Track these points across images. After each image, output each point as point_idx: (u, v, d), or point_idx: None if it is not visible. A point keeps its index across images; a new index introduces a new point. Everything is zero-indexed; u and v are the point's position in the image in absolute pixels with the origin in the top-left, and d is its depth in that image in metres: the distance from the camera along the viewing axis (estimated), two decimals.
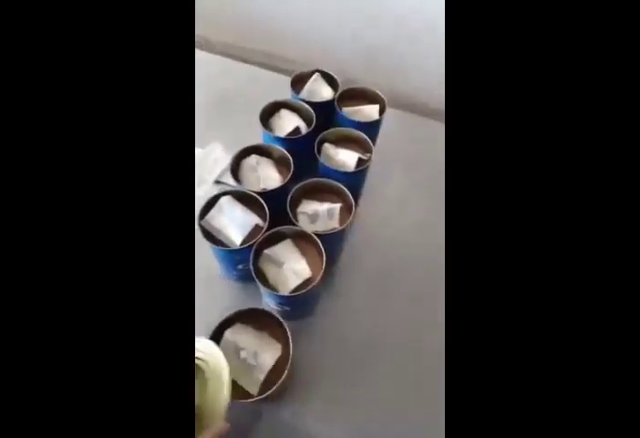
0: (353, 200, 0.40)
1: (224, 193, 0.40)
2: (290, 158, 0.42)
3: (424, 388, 0.40)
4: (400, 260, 0.49)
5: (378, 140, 0.51)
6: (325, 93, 0.50)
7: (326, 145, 0.45)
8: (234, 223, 0.38)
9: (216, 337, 0.34)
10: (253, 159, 0.43)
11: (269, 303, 0.39)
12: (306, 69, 0.51)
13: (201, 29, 0.76)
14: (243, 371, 0.33)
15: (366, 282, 0.47)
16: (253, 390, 0.32)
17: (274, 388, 0.31)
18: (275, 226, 0.38)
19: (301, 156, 0.43)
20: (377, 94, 0.49)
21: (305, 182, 0.41)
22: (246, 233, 0.38)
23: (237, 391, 0.32)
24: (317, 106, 0.47)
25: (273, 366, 0.33)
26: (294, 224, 0.38)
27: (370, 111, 0.48)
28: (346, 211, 0.41)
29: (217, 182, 0.54)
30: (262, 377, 0.33)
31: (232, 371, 0.31)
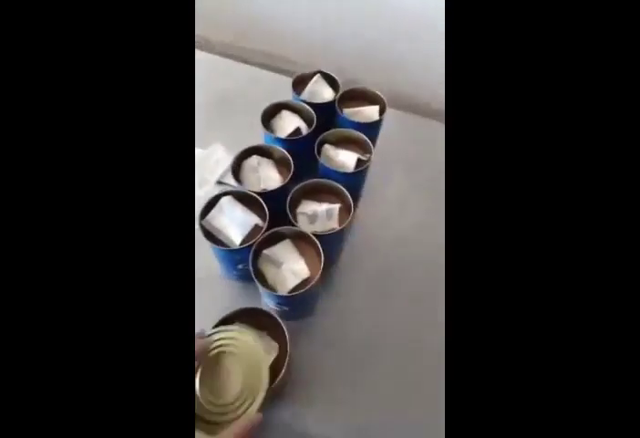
0: (352, 200, 0.40)
1: (225, 194, 0.40)
2: (290, 159, 0.43)
3: (424, 388, 0.40)
4: (400, 261, 0.49)
5: (379, 141, 0.51)
6: (327, 94, 0.50)
7: (326, 146, 0.45)
8: (234, 223, 0.39)
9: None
10: (254, 159, 0.44)
11: (268, 303, 0.39)
12: (307, 70, 0.51)
13: (201, 29, 0.77)
14: None
15: (365, 282, 0.47)
16: None
17: (272, 385, 0.32)
18: (275, 226, 0.38)
19: (301, 157, 0.43)
20: (378, 95, 0.49)
21: (305, 182, 0.41)
22: (246, 233, 0.38)
23: None
24: (318, 107, 0.47)
25: (272, 365, 0.34)
26: (293, 225, 0.38)
27: (371, 112, 0.48)
28: (346, 211, 0.41)
29: (219, 182, 0.54)
30: None
31: None
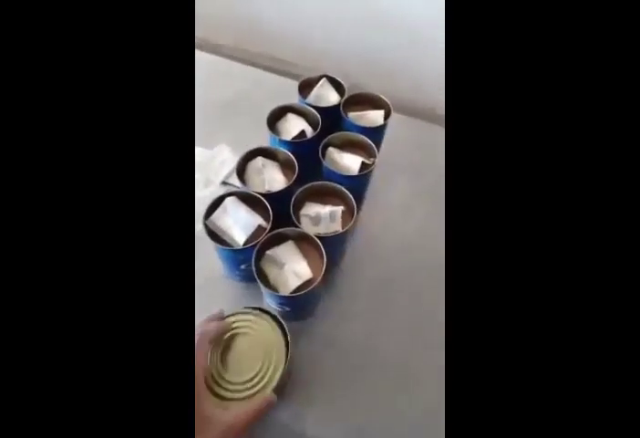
0: (355, 203, 0.41)
1: (229, 194, 0.41)
2: (295, 161, 0.43)
3: (423, 390, 0.40)
4: (402, 264, 0.49)
5: (383, 146, 0.51)
6: (332, 98, 0.50)
7: (331, 149, 0.45)
8: (238, 223, 0.39)
9: None
10: (259, 161, 0.44)
11: (270, 303, 0.39)
12: (312, 74, 0.52)
13: (209, 33, 0.78)
14: None
15: (367, 285, 0.47)
16: None
17: (273, 384, 0.32)
18: (279, 228, 0.38)
19: (306, 159, 0.43)
20: (383, 99, 0.50)
21: (309, 184, 0.42)
22: (249, 233, 0.38)
23: None
24: (323, 110, 0.47)
25: None
26: (296, 226, 0.39)
27: (375, 116, 0.49)
28: (349, 214, 0.42)
29: (224, 183, 0.54)
30: None
31: None
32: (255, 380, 0.32)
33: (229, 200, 0.40)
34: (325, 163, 0.43)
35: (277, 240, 0.39)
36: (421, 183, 0.57)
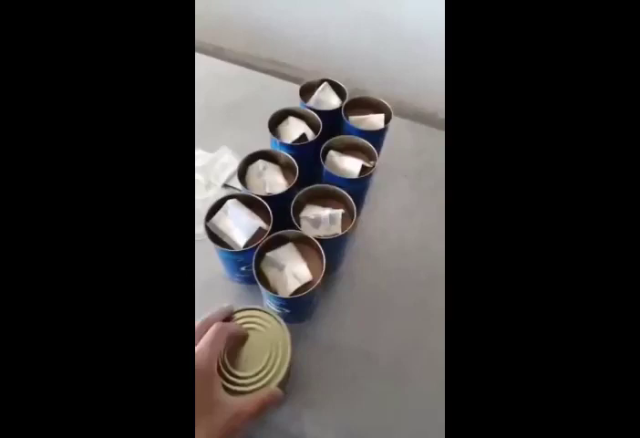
0: (355, 207, 0.41)
1: (230, 197, 0.41)
2: (296, 164, 0.43)
3: (421, 393, 0.41)
4: (401, 268, 0.49)
5: (384, 149, 0.52)
6: (333, 102, 0.51)
7: (331, 152, 0.46)
8: (239, 225, 0.39)
9: None
10: (260, 164, 0.44)
11: (270, 305, 0.39)
12: (314, 78, 0.52)
13: (212, 36, 0.79)
14: None
15: (365, 288, 0.48)
16: None
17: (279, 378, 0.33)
18: (279, 230, 0.39)
19: (306, 162, 0.44)
20: (383, 103, 0.50)
21: (309, 187, 0.42)
22: (250, 235, 0.39)
23: None
24: (324, 114, 0.48)
25: None
26: (296, 229, 0.39)
27: (376, 120, 0.49)
28: (349, 217, 0.42)
29: (225, 185, 0.55)
30: None
31: None
32: (262, 374, 0.33)
33: (230, 202, 0.41)
34: (326, 166, 0.44)
35: (277, 242, 0.39)
36: (421, 187, 0.57)
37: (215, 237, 0.40)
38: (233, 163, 0.56)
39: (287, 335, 0.35)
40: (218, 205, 0.41)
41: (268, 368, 0.33)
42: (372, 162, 0.45)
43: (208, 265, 0.44)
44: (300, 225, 0.40)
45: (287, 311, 0.39)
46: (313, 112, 0.48)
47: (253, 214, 0.41)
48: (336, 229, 0.41)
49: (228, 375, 0.33)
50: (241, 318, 0.36)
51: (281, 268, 0.38)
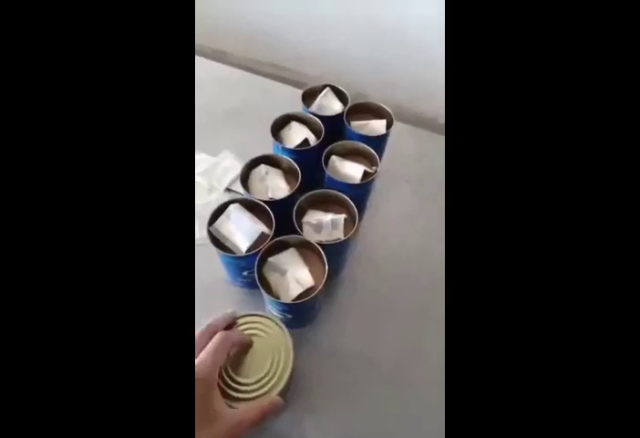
0: (357, 212, 0.41)
1: (233, 201, 0.41)
2: (298, 169, 0.44)
3: (422, 398, 0.40)
4: (403, 273, 0.49)
5: (385, 155, 0.52)
6: (336, 107, 0.51)
7: (333, 157, 0.46)
8: (241, 230, 0.39)
9: None
10: (263, 169, 0.45)
11: (272, 310, 0.39)
12: (317, 83, 0.53)
13: (215, 40, 0.79)
14: None
15: (366, 293, 0.48)
16: None
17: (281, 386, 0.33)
18: (281, 235, 0.39)
19: (308, 167, 0.44)
20: (385, 109, 0.50)
21: (311, 192, 0.42)
22: (252, 240, 0.39)
23: None
24: (326, 119, 0.48)
25: None
26: (298, 234, 0.39)
27: (378, 126, 0.50)
28: (351, 222, 0.42)
29: (228, 189, 0.55)
30: None
31: None
32: (264, 381, 0.33)
33: (232, 207, 0.41)
34: (328, 172, 0.44)
35: (279, 247, 0.39)
36: (423, 193, 0.57)
37: (217, 242, 0.40)
38: (236, 167, 0.56)
39: (289, 341, 0.35)
40: (220, 210, 0.41)
41: (271, 374, 0.33)
42: (374, 168, 0.46)
43: (210, 269, 0.44)
44: (302, 230, 0.40)
45: (289, 316, 0.39)
46: (315, 117, 0.48)
47: (256, 219, 0.41)
48: (338, 234, 0.41)
49: (230, 382, 0.32)
50: (243, 324, 0.36)
51: (283, 273, 0.38)
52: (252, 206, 0.41)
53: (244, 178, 0.44)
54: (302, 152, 0.45)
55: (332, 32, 0.69)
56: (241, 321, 0.36)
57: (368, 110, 0.51)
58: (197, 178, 0.55)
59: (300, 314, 0.41)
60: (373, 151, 0.46)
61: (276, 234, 0.39)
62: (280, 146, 0.46)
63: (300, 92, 0.52)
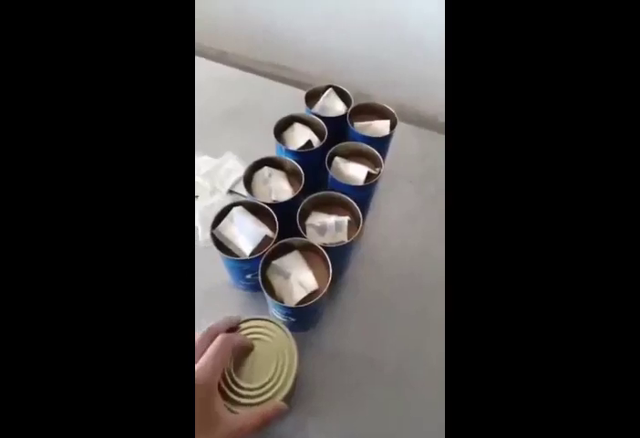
0: (361, 214, 0.41)
1: (236, 204, 0.41)
2: (301, 171, 0.43)
3: (425, 400, 0.40)
4: (405, 274, 0.49)
5: (389, 155, 0.51)
6: (339, 108, 0.51)
7: (337, 159, 0.46)
8: (244, 233, 0.39)
9: None
10: (266, 171, 0.44)
11: (275, 313, 0.39)
12: (320, 83, 0.52)
13: (217, 42, 0.79)
14: None
15: (370, 295, 0.48)
16: None
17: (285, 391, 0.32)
18: (285, 237, 0.38)
19: (312, 169, 0.44)
20: (389, 109, 0.50)
21: (315, 194, 0.42)
22: (256, 243, 0.39)
23: None
24: (330, 120, 0.48)
25: None
26: (302, 236, 0.39)
27: (382, 126, 0.49)
28: (355, 224, 0.42)
29: (230, 191, 0.55)
30: None
31: None
32: (268, 385, 0.32)
33: (236, 210, 0.40)
34: (332, 173, 0.43)
35: (283, 250, 0.39)
36: (425, 193, 0.57)
37: (221, 245, 0.40)
38: (238, 169, 0.56)
39: (293, 344, 0.35)
40: (224, 213, 0.41)
41: (275, 379, 0.33)
42: (378, 169, 0.45)
43: (213, 271, 0.44)
44: (305, 233, 0.40)
45: (293, 320, 0.39)
46: (318, 119, 0.48)
47: (259, 222, 0.40)
48: (342, 237, 0.41)
49: (234, 386, 0.32)
50: (246, 328, 0.35)
51: (287, 276, 0.38)
52: (255, 209, 0.41)
53: (247, 180, 0.44)
54: (305, 154, 0.45)
55: (332, 30, 0.69)
56: (244, 326, 0.36)
57: (372, 111, 0.51)
58: (200, 180, 0.55)
59: (304, 317, 0.41)
60: (377, 153, 0.45)
61: (280, 236, 0.39)
62: (283, 148, 0.45)
63: (300, 92, 0.51)
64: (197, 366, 0.30)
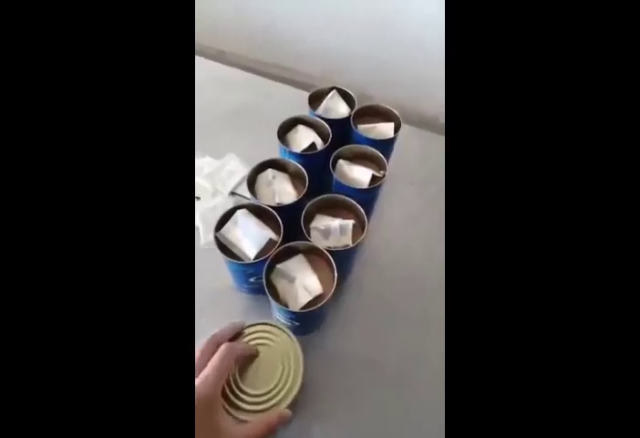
0: (366, 216, 0.41)
1: (240, 207, 0.41)
2: (305, 173, 0.43)
3: (425, 402, 0.40)
4: (407, 277, 0.49)
5: (393, 158, 0.51)
6: (342, 110, 0.50)
7: (341, 161, 0.45)
8: (248, 236, 0.39)
9: None
10: (270, 173, 0.44)
11: (279, 317, 0.39)
12: (323, 84, 0.52)
13: (219, 42, 0.78)
14: None
15: (373, 297, 0.47)
16: None
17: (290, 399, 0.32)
18: (289, 241, 0.38)
19: (316, 172, 0.43)
20: (393, 112, 0.50)
21: (319, 197, 0.42)
22: (260, 247, 0.38)
23: None
24: (333, 122, 0.47)
25: None
26: (306, 239, 0.39)
27: (386, 129, 0.49)
28: (359, 228, 0.42)
29: (232, 193, 0.54)
30: None
31: None
32: (274, 392, 0.32)
33: (240, 213, 0.40)
34: (336, 176, 0.43)
35: (287, 253, 0.39)
36: (426, 195, 0.57)
37: (225, 248, 0.39)
38: (240, 171, 0.56)
39: (299, 349, 0.34)
40: (227, 215, 0.40)
41: (281, 385, 0.32)
42: (382, 172, 0.45)
43: (216, 274, 0.44)
44: (310, 236, 0.40)
45: (297, 324, 0.39)
46: (322, 121, 0.47)
47: (263, 225, 0.40)
48: (347, 240, 0.41)
49: (240, 393, 0.32)
50: (250, 333, 0.35)
51: (291, 280, 0.37)
52: (259, 212, 0.41)
53: (251, 182, 0.44)
54: (309, 157, 0.45)
55: (332, 30, 0.68)
56: (248, 331, 0.35)
57: (376, 113, 0.50)
58: (201, 181, 0.55)
59: (308, 321, 0.41)
60: (381, 155, 0.45)
61: (284, 239, 0.38)
62: (287, 150, 0.45)
63: (300, 92, 0.51)
64: (197, 380, 0.29)
